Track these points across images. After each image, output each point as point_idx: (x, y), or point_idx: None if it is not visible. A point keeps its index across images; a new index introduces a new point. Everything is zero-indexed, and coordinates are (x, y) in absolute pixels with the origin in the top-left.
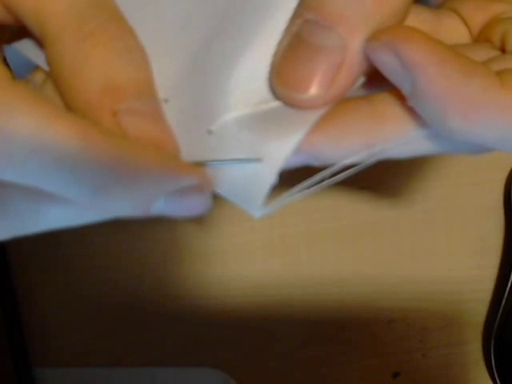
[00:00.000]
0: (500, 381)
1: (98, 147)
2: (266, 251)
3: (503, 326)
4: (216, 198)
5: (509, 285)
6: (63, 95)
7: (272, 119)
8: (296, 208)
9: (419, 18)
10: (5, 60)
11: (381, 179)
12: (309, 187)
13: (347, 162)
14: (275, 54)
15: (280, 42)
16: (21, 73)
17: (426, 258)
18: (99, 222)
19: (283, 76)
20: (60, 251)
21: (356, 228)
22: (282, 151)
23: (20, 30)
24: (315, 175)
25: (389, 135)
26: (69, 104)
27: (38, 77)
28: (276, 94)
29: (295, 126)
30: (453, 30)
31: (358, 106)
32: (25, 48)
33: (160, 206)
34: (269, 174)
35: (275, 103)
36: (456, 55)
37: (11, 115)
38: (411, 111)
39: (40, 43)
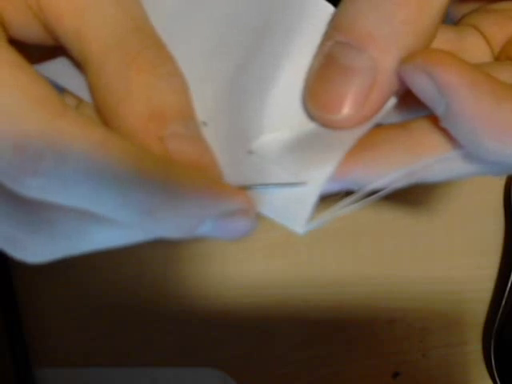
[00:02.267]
0: (500, 381)
1: (148, 171)
2: (266, 251)
3: (503, 326)
4: None
5: (509, 285)
6: (108, 121)
7: (312, 140)
8: None
9: (443, 38)
10: None
11: None
12: (349, 205)
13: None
14: (308, 76)
15: (312, 64)
16: None
17: (426, 258)
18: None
19: (316, 97)
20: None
21: (356, 228)
22: (323, 173)
23: (52, 51)
24: (355, 193)
25: (427, 162)
26: (114, 129)
27: (68, 100)
28: (311, 115)
29: (335, 147)
30: (475, 49)
31: (396, 135)
32: (51, 71)
33: (205, 228)
34: (312, 196)
35: (312, 125)
36: (488, 78)
37: (65, 140)
38: (447, 138)
39: (78, 66)
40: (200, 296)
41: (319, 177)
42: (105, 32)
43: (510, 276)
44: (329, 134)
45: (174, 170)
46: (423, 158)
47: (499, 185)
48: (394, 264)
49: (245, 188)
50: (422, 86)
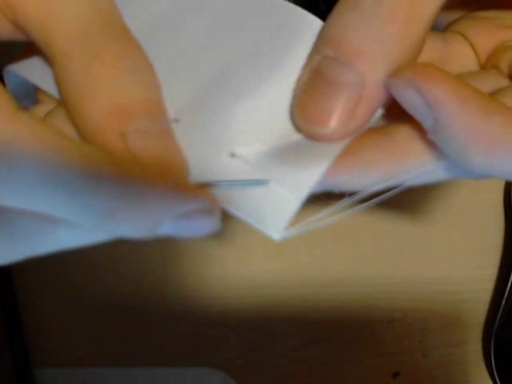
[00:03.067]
0: (500, 381)
1: (103, 174)
2: (266, 251)
3: (503, 326)
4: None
5: (509, 285)
6: (73, 118)
7: (297, 150)
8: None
9: (429, 45)
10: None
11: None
12: (330, 215)
13: (369, 191)
14: (296, 89)
15: (300, 77)
16: (19, 94)
17: (426, 258)
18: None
19: (303, 110)
20: (60, 251)
21: (356, 228)
22: (307, 181)
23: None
24: (338, 203)
25: (409, 168)
26: (79, 127)
27: (41, 108)
28: (297, 127)
29: (320, 156)
30: (461, 56)
31: (379, 140)
32: (26, 71)
33: (167, 228)
34: (294, 202)
35: (297, 136)
36: (477, 93)
37: (15, 145)
38: (430, 144)
39: (48, 62)
40: (200, 296)
41: (303, 183)
42: (70, 25)
43: (510, 276)
44: (314, 145)
45: (132, 170)
46: (407, 163)
47: (499, 185)
48: (393, 264)
49: (210, 186)
50: (410, 100)
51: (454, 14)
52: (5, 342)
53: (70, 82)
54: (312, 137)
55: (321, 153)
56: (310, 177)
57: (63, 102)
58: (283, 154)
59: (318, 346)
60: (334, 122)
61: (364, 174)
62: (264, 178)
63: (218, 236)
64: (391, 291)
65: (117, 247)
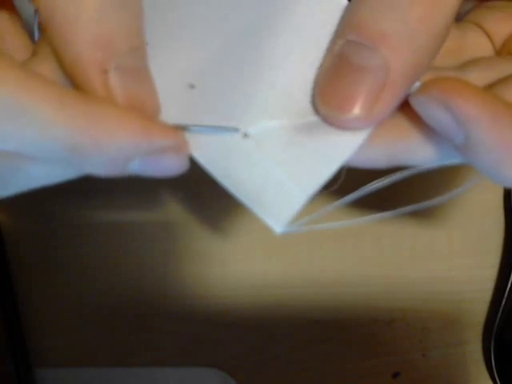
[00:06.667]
0: (500, 381)
1: (72, 110)
2: (265, 251)
3: (503, 326)
4: (216, 199)
5: (509, 285)
6: (55, 49)
7: (312, 140)
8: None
9: None
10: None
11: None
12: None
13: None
14: (318, 74)
15: (323, 62)
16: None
17: (426, 258)
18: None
19: (326, 96)
20: (60, 251)
21: (356, 228)
22: (318, 179)
23: None
24: (340, 200)
25: (412, 147)
26: (61, 58)
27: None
28: (318, 113)
29: (335, 154)
30: (477, 45)
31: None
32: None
33: (135, 166)
34: (301, 198)
35: (315, 118)
36: (507, 106)
37: None
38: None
39: None
40: (200, 296)
41: (313, 182)
42: None
43: (510, 276)
44: (330, 138)
45: (100, 106)
46: (410, 141)
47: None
48: (393, 264)
49: (181, 128)
50: (438, 117)
51: (469, 4)
52: (5, 342)
53: (56, 9)
54: (334, 123)
55: (336, 149)
56: (321, 175)
57: (47, 34)
58: (297, 144)
59: (318, 345)
60: (357, 108)
61: (366, 151)
62: (235, 127)
63: (218, 236)
64: (391, 291)
65: (117, 247)
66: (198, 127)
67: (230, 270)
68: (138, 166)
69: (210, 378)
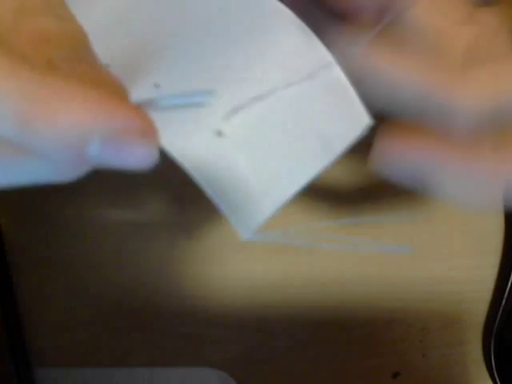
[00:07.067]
0: (500, 381)
1: (24, 76)
2: (265, 251)
3: (503, 326)
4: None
5: (509, 285)
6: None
7: (287, 149)
8: (296, 207)
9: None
10: None
11: (381, 179)
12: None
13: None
14: None
15: None
16: None
17: (426, 257)
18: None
19: None
20: (60, 251)
21: (356, 228)
22: (289, 191)
23: None
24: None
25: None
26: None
27: None
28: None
29: (307, 166)
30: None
31: None
32: None
33: (95, 150)
34: (272, 207)
35: (273, 97)
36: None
37: None
38: None
39: None
40: (200, 296)
41: (284, 193)
42: None
43: (510, 276)
44: (305, 148)
45: (56, 78)
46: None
47: None
48: (393, 264)
49: (147, 105)
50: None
51: None
52: (5, 342)
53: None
54: None
55: (309, 161)
56: (292, 187)
57: None
58: (273, 148)
59: (318, 346)
60: None
61: None
62: (207, 90)
63: (217, 236)
64: (391, 291)
65: (117, 247)
66: (165, 99)
67: (230, 270)
68: (99, 151)
69: (210, 378)
